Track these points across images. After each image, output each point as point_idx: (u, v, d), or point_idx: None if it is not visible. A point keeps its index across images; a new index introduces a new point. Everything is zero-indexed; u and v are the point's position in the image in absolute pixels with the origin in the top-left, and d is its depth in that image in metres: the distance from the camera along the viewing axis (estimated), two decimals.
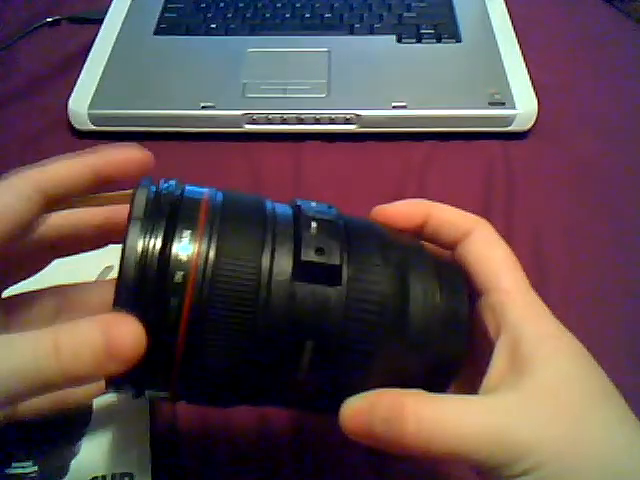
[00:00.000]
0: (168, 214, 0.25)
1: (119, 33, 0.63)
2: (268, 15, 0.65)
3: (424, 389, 0.26)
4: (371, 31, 0.63)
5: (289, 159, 0.55)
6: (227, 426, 0.40)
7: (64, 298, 0.33)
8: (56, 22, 0.68)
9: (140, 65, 0.61)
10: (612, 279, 0.48)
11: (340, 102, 0.56)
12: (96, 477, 0.36)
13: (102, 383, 0.25)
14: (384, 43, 0.62)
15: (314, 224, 0.26)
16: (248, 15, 0.65)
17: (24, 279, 0.33)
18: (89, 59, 0.61)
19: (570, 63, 0.63)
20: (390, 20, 0.64)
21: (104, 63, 0.60)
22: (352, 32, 0.63)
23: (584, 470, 0.24)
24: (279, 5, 0.66)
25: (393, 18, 0.64)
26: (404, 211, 0.30)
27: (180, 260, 0.24)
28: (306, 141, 0.57)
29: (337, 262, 0.25)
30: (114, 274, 0.24)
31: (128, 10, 0.66)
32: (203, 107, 0.56)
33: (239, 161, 0.55)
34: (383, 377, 0.27)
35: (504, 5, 0.66)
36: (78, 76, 0.59)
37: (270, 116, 0.55)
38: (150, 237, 0.24)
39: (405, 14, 0.64)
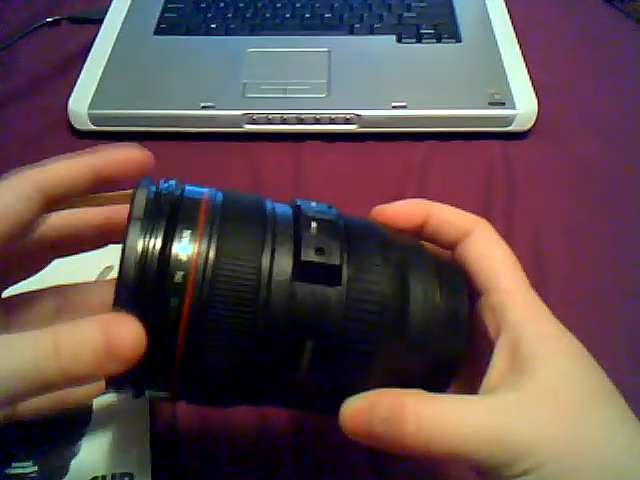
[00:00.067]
0: (168, 214, 0.25)
1: (119, 33, 0.63)
2: (268, 15, 0.65)
3: (424, 389, 0.26)
4: (371, 31, 0.63)
5: (289, 159, 0.55)
6: (227, 426, 0.40)
7: (64, 298, 0.33)
8: (56, 22, 0.68)
9: (140, 65, 0.61)
10: (612, 279, 0.48)
11: (340, 102, 0.56)
12: (96, 477, 0.36)
13: (102, 383, 0.25)
14: (384, 43, 0.62)
15: (314, 224, 0.26)
16: (248, 15, 0.65)
17: (24, 279, 0.33)
18: (89, 59, 0.61)
19: (570, 63, 0.63)
20: (390, 20, 0.64)
21: (104, 63, 0.60)
22: (352, 32, 0.63)
23: (584, 470, 0.24)
24: (279, 5, 0.66)
25: (393, 18, 0.64)
26: (404, 211, 0.30)
27: (180, 260, 0.24)
28: (306, 141, 0.57)
29: (337, 262, 0.25)
30: (114, 274, 0.24)
31: (128, 10, 0.66)
32: (203, 107, 0.56)
33: (239, 161, 0.55)
34: (383, 377, 0.27)
35: (504, 5, 0.66)
36: (78, 76, 0.59)
37: (270, 116, 0.55)
38: (150, 237, 0.24)
39: (405, 14, 0.64)
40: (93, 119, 0.56)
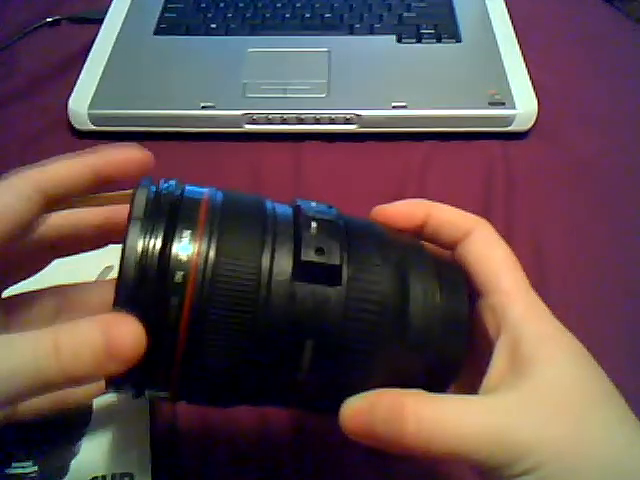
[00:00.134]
0: (168, 214, 0.25)
1: (119, 33, 0.63)
2: (268, 15, 0.65)
3: (424, 389, 0.26)
4: (371, 31, 0.63)
5: (289, 159, 0.55)
6: (227, 426, 0.40)
7: (64, 298, 0.33)
8: (56, 22, 0.68)
9: (140, 65, 0.61)
10: (612, 279, 0.48)
11: (340, 102, 0.56)
12: (96, 477, 0.36)
13: (102, 383, 0.25)
14: (384, 43, 0.62)
15: (314, 224, 0.26)
16: (248, 15, 0.65)
17: (24, 279, 0.33)
18: (89, 59, 0.61)
19: (570, 63, 0.63)
20: (390, 20, 0.64)
21: (104, 63, 0.60)
22: (352, 32, 0.63)
23: (584, 470, 0.24)
24: (279, 5, 0.66)
25: (393, 18, 0.64)
26: (404, 211, 0.30)
27: (180, 260, 0.24)
28: (306, 141, 0.57)
29: (337, 262, 0.25)
30: (114, 274, 0.24)
31: (128, 10, 0.66)
32: (203, 107, 0.56)
33: (239, 161, 0.55)
34: (383, 377, 0.27)
35: (504, 5, 0.66)
36: (78, 76, 0.59)
37: (270, 116, 0.55)
38: (150, 237, 0.24)
39: (405, 14, 0.64)
40: (93, 119, 0.56)
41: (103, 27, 0.64)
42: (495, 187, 0.53)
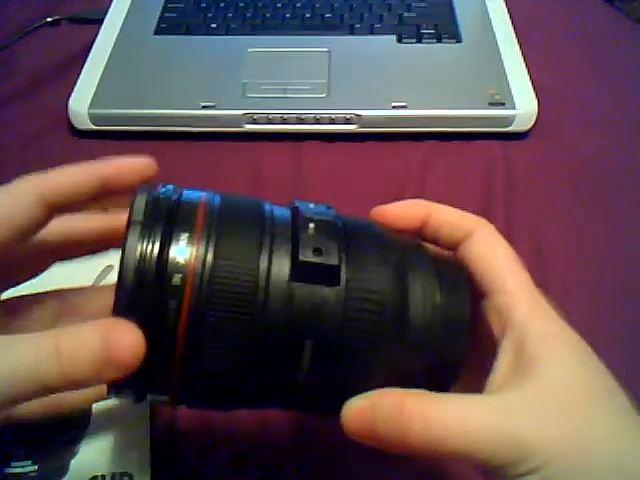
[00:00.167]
0: (166, 218, 0.25)
1: (119, 33, 0.63)
2: (268, 15, 0.65)
3: (425, 389, 0.26)
4: (371, 31, 0.63)
5: (289, 159, 0.55)
6: (227, 426, 0.40)
7: (65, 302, 0.33)
8: (56, 22, 0.68)
9: (140, 65, 0.61)
10: (612, 279, 0.48)
11: (340, 102, 0.56)
12: (96, 476, 0.36)
13: (100, 389, 0.25)
14: (384, 43, 0.62)
15: (312, 225, 0.26)
16: (248, 15, 0.65)
17: (24, 282, 0.33)
18: (89, 59, 0.61)
19: (570, 63, 0.63)
20: (390, 20, 0.64)
21: (104, 63, 0.60)
22: (352, 32, 0.63)
23: (589, 469, 0.24)
24: (279, 5, 0.66)
25: (393, 18, 0.64)
26: (404, 211, 0.30)
27: (178, 263, 0.24)
28: (306, 141, 0.57)
29: (335, 262, 0.25)
30: (114, 273, 0.25)
31: (128, 10, 0.66)
32: (203, 107, 0.56)
33: (239, 161, 0.55)
34: (383, 377, 0.26)
35: (504, 5, 0.66)
36: (78, 76, 0.59)
37: (270, 116, 0.55)
38: (148, 241, 0.24)
39: (405, 14, 0.64)
40: (93, 119, 0.56)
41: (103, 27, 0.64)
42: (495, 187, 0.53)
